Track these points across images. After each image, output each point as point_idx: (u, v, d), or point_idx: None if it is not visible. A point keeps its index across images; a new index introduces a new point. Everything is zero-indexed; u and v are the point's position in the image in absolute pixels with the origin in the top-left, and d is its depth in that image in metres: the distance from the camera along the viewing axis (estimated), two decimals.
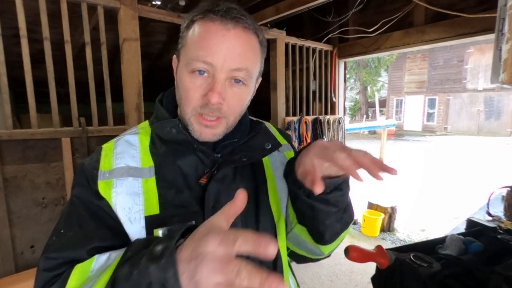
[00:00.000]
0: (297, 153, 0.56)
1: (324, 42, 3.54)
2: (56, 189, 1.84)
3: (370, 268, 2.22)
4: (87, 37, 1.91)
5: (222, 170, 0.59)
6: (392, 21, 2.99)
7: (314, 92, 3.55)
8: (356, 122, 17.66)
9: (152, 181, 0.57)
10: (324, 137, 3.43)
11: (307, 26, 3.92)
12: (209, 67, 0.53)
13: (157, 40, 4.02)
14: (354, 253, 0.96)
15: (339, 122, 3.65)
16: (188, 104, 0.56)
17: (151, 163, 0.59)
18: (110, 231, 0.54)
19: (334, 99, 3.74)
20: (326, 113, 3.69)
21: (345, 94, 4.01)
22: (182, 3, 2.83)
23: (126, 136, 0.64)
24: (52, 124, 1.81)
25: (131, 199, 0.55)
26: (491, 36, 2.37)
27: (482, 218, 1.46)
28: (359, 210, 4.06)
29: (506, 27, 0.83)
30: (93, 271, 0.47)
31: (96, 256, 0.49)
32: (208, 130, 0.57)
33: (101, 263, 0.48)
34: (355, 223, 4.05)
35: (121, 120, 2.13)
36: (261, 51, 0.59)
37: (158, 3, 2.75)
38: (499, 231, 1.26)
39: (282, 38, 3.05)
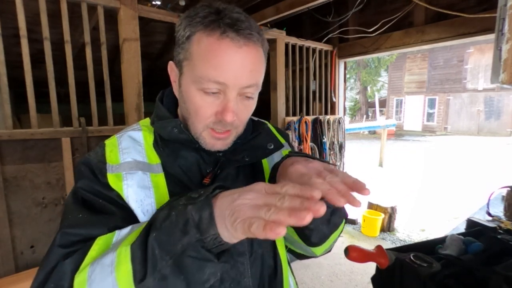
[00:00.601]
0: (276, 166, 0.57)
1: (324, 42, 3.54)
2: (56, 189, 1.84)
3: (370, 268, 2.23)
4: (87, 37, 1.91)
5: (225, 170, 0.60)
6: (392, 21, 2.99)
7: (314, 92, 3.55)
8: (356, 122, 17.66)
9: (161, 177, 0.58)
10: (324, 137, 3.43)
11: (307, 26, 3.92)
12: (221, 86, 0.53)
13: (157, 40, 4.01)
14: (354, 253, 0.96)
15: (339, 122, 3.65)
16: (199, 120, 0.56)
17: (158, 160, 0.59)
18: (128, 215, 0.53)
19: (334, 99, 3.74)
20: (326, 113, 3.69)
21: (345, 94, 4.01)
22: (182, 3, 2.83)
23: (129, 132, 0.63)
24: (52, 124, 1.81)
25: (142, 192, 0.55)
26: (491, 36, 2.37)
27: (482, 218, 1.46)
28: (359, 210, 4.06)
29: (506, 27, 0.83)
30: (115, 241, 0.47)
31: (117, 231, 0.48)
32: (220, 142, 0.58)
33: (123, 235, 0.47)
34: (355, 223, 4.05)
35: (121, 120, 2.13)
36: (265, 59, 0.59)
37: (158, 3, 2.75)
38: (499, 231, 1.26)
39: (282, 38, 3.05)
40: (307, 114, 3.47)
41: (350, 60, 3.84)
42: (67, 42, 1.83)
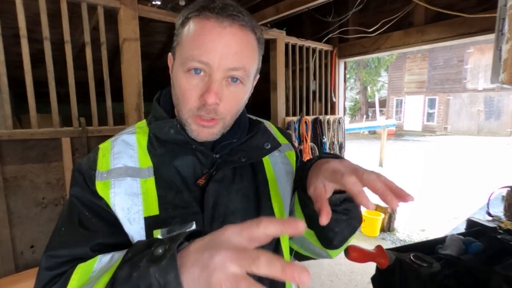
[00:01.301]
0: (308, 166, 0.55)
1: (324, 42, 3.54)
2: (56, 189, 1.84)
3: (370, 268, 2.22)
4: (87, 37, 1.91)
5: (221, 171, 0.59)
6: (392, 21, 2.99)
7: (314, 92, 3.55)
8: (356, 122, 17.65)
9: (151, 182, 0.56)
10: (324, 137, 3.43)
11: (307, 26, 3.92)
12: (205, 66, 0.52)
13: (157, 40, 4.01)
14: (354, 253, 0.96)
15: (339, 122, 3.65)
16: (184, 104, 0.55)
17: (150, 164, 0.58)
18: (112, 229, 0.53)
19: (334, 99, 3.74)
20: (326, 113, 3.69)
21: (345, 94, 4.01)
22: (182, 3, 2.83)
23: (123, 135, 0.62)
24: (52, 124, 1.81)
25: (130, 200, 0.54)
26: (491, 36, 2.37)
27: (482, 218, 1.46)
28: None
29: (506, 27, 0.83)
30: (95, 272, 0.46)
31: (99, 257, 0.48)
32: (205, 130, 0.56)
33: (104, 264, 0.47)
34: None
35: (121, 120, 2.13)
36: (259, 48, 0.58)
37: (158, 3, 2.75)
38: (499, 231, 1.26)
39: (282, 38, 3.05)
40: (307, 114, 3.47)
41: (350, 60, 3.84)
42: (67, 42, 1.83)
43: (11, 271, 1.70)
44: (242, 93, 0.57)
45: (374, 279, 1.15)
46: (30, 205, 1.77)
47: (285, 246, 0.64)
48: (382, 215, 3.77)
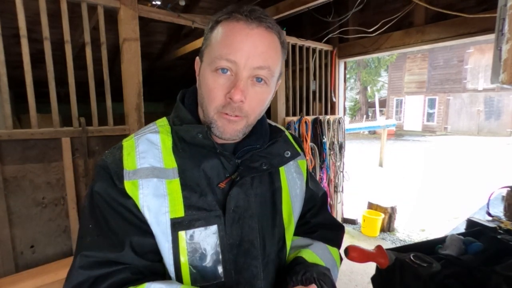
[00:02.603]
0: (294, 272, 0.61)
1: (324, 42, 3.54)
2: (56, 189, 1.84)
3: (370, 268, 2.23)
4: (87, 37, 1.91)
5: (244, 178, 0.61)
6: (392, 21, 2.98)
7: (314, 92, 3.55)
8: (356, 122, 17.65)
9: (176, 183, 0.58)
10: (324, 137, 3.43)
11: (307, 26, 3.92)
12: (233, 65, 0.54)
13: (157, 40, 4.01)
14: (354, 253, 0.96)
15: (339, 122, 3.65)
16: (211, 103, 0.57)
17: (175, 165, 0.59)
18: (136, 229, 0.55)
19: (334, 99, 3.74)
20: (326, 113, 3.69)
21: (345, 94, 4.01)
22: (182, 3, 2.83)
23: (147, 134, 0.63)
24: (52, 124, 1.81)
25: (158, 201, 0.56)
26: (491, 36, 2.37)
27: (482, 218, 1.46)
28: (359, 210, 4.06)
29: (506, 27, 0.82)
30: None
31: (147, 285, 0.51)
32: (230, 126, 0.58)
33: None
34: (355, 223, 4.05)
35: (121, 120, 2.13)
36: (282, 52, 0.60)
37: (158, 3, 2.74)
38: (499, 231, 1.26)
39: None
40: (307, 114, 3.47)
41: (350, 60, 3.84)
42: (67, 42, 1.83)
43: (11, 271, 1.70)
44: (266, 93, 0.59)
45: (374, 279, 1.15)
46: (30, 205, 1.77)
47: (288, 246, 0.69)
48: (382, 215, 3.77)
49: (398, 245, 2.73)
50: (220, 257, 0.58)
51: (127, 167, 0.57)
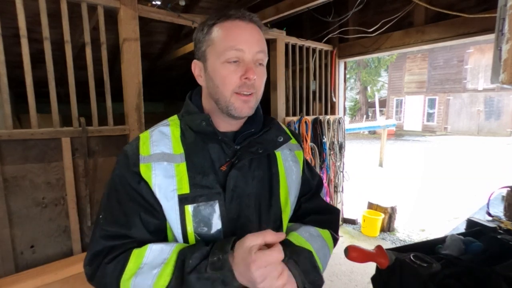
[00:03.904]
0: None
1: (324, 42, 3.54)
2: (56, 189, 1.84)
3: (370, 268, 2.23)
4: (87, 37, 1.91)
5: (242, 161, 0.71)
6: (392, 21, 2.99)
7: (314, 92, 3.55)
8: (356, 122, 17.67)
9: (183, 166, 0.69)
10: (324, 137, 3.43)
11: (307, 26, 3.92)
12: (240, 53, 0.66)
13: (157, 40, 4.01)
14: (354, 253, 0.96)
15: (339, 122, 3.65)
16: (226, 88, 0.68)
17: (182, 151, 0.71)
18: (144, 210, 0.67)
19: (334, 99, 3.74)
20: (326, 113, 3.69)
21: (345, 94, 4.01)
22: (182, 3, 2.83)
23: (160, 127, 0.75)
24: (52, 124, 1.81)
25: (167, 180, 0.67)
26: (491, 36, 2.37)
27: (482, 218, 1.46)
28: (359, 210, 4.06)
29: (506, 27, 0.82)
30: (148, 257, 0.62)
31: (149, 245, 0.64)
32: (245, 105, 0.69)
33: (155, 253, 0.63)
34: (355, 223, 4.05)
35: (121, 120, 2.13)
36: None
37: (158, 3, 2.74)
38: (499, 231, 1.26)
39: (282, 38, 3.05)
40: (307, 114, 3.47)
41: (350, 60, 3.84)
42: (67, 42, 1.83)
43: (11, 271, 1.70)
44: (264, 72, 0.72)
45: (374, 279, 1.15)
46: (30, 205, 1.77)
47: (285, 226, 0.79)
48: (382, 215, 3.77)
49: (398, 245, 2.73)
50: (221, 227, 0.68)
51: (143, 153, 0.69)
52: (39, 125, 1.76)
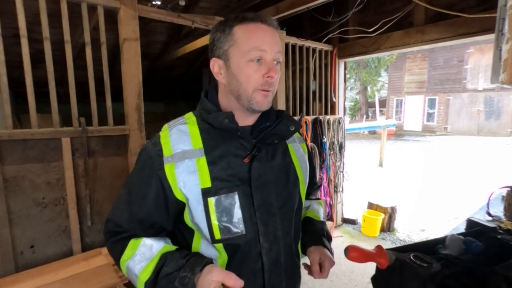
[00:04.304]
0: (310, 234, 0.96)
1: (324, 42, 3.54)
2: (56, 189, 1.84)
3: (370, 268, 2.22)
4: (87, 37, 1.91)
5: (260, 152, 0.79)
6: (392, 21, 2.99)
7: (314, 92, 3.55)
8: (356, 122, 17.66)
9: (203, 160, 0.75)
10: (324, 137, 3.43)
11: (307, 26, 3.92)
12: (263, 53, 0.73)
13: (157, 40, 4.01)
14: (354, 253, 0.96)
15: (339, 122, 3.65)
16: (250, 85, 0.74)
17: (201, 145, 0.76)
18: (147, 211, 0.75)
19: (334, 99, 3.74)
20: (326, 113, 3.70)
21: (345, 94, 4.01)
22: (182, 3, 2.83)
23: (177, 126, 0.80)
24: (52, 124, 1.81)
25: (190, 177, 0.73)
26: (491, 36, 2.37)
27: (482, 218, 1.46)
28: (359, 210, 4.06)
29: (506, 27, 0.82)
30: (140, 250, 0.74)
31: (143, 239, 0.75)
32: (265, 100, 0.76)
33: (147, 247, 0.74)
34: (355, 223, 4.05)
35: (121, 120, 2.13)
36: None
37: (158, 3, 2.74)
38: (499, 231, 1.26)
39: (282, 38, 3.05)
40: (307, 114, 3.47)
41: (350, 60, 3.84)
42: (67, 42, 1.83)
43: (11, 271, 1.70)
44: (279, 70, 0.78)
45: (374, 279, 1.15)
46: (30, 205, 1.77)
47: (303, 204, 0.93)
48: (382, 215, 3.77)
49: (398, 245, 2.73)
50: (241, 216, 0.75)
51: (166, 153, 0.75)
52: (39, 125, 1.76)
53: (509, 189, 1.54)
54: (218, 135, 0.77)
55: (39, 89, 1.87)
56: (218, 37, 0.76)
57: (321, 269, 0.89)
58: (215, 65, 0.79)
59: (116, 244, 0.77)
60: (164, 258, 0.71)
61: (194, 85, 5.37)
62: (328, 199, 3.67)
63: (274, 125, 0.83)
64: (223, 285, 0.65)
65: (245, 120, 0.82)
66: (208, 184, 0.73)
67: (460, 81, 17.73)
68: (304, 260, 0.95)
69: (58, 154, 1.83)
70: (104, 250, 1.89)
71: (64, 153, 1.83)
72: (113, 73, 2.29)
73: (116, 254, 0.77)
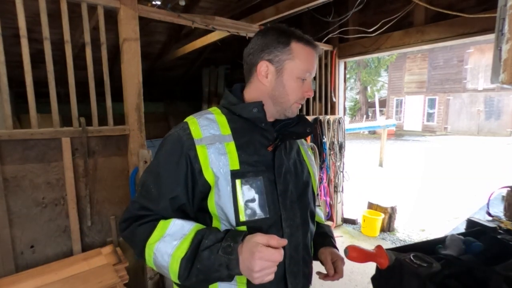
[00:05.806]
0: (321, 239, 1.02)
1: (324, 42, 3.54)
2: (56, 189, 1.84)
3: (370, 268, 2.22)
4: (87, 37, 1.91)
5: (282, 144, 0.86)
6: (392, 21, 2.99)
7: (314, 92, 3.55)
8: (356, 122, 17.66)
9: (232, 145, 0.80)
10: (324, 137, 3.43)
11: (307, 26, 3.92)
12: (308, 75, 0.85)
13: (157, 40, 4.02)
14: (354, 253, 0.96)
15: (339, 122, 3.65)
16: (293, 97, 0.85)
17: (229, 132, 0.82)
18: (172, 194, 0.77)
19: (334, 99, 3.74)
20: (326, 113, 3.70)
21: (345, 94, 4.01)
22: (182, 3, 2.83)
23: (205, 115, 0.85)
24: (52, 124, 1.81)
25: (220, 158, 0.78)
26: (491, 36, 2.37)
27: (482, 218, 1.46)
28: (359, 210, 4.06)
29: (506, 27, 0.82)
30: (170, 230, 0.74)
31: (173, 220, 0.75)
32: (297, 110, 0.90)
33: (177, 227, 0.74)
34: (355, 223, 4.05)
35: (121, 120, 2.13)
36: None
37: (158, 3, 2.75)
38: (499, 231, 1.26)
39: None
40: (307, 114, 3.47)
41: (350, 60, 3.84)
42: (67, 42, 1.83)
43: (11, 271, 1.70)
44: None
45: (374, 279, 1.15)
46: (30, 205, 1.77)
47: (314, 189, 1.00)
48: (382, 215, 3.77)
49: (398, 245, 2.73)
50: (265, 200, 0.80)
51: (196, 136, 0.79)
52: (39, 125, 1.76)
53: (509, 189, 1.54)
54: (245, 125, 0.84)
55: (39, 89, 1.87)
56: (272, 43, 0.83)
57: (335, 269, 0.94)
58: (264, 67, 0.84)
59: (142, 227, 0.77)
60: (201, 233, 0.72)
61: (194, 85, 5.37)
62: (328, 199, 3.67)
63: (294, 124, 0.92)
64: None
65: (269, 117, 0.89)
66: (237, 166, 0.78)
67: (460, 81, 17.73)
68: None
69: (58, 154, 1.83)
70: (104, 250, 1.89)
71: (64, 153, 1.83)
72: (113, 73, 2.29)
73: (143, 236, 0.75)
